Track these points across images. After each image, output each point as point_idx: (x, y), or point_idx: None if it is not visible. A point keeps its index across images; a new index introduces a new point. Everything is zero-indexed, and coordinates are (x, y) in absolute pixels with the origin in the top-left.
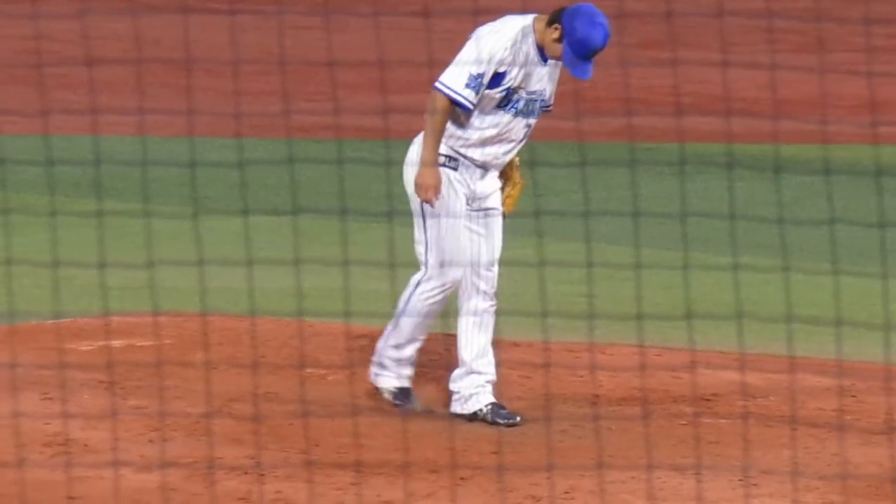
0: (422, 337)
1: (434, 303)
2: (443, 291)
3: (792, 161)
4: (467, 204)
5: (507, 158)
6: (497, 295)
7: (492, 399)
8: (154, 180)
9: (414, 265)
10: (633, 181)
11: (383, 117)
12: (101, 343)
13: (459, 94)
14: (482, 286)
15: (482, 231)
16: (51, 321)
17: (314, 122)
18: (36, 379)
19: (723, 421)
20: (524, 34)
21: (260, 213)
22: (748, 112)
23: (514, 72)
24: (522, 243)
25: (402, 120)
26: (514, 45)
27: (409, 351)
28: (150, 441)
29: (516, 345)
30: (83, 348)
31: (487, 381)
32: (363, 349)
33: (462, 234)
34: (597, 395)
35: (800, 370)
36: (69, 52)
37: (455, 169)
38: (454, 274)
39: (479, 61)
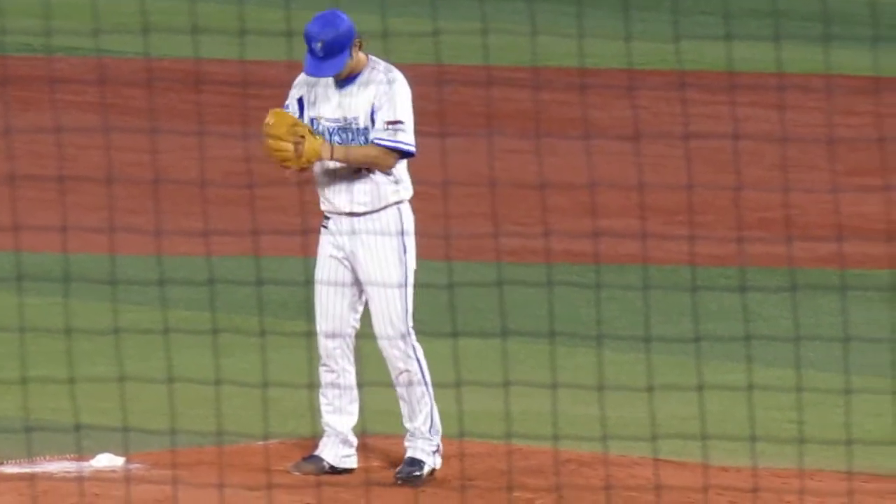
0: None
1: None
2: None
3: None
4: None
5: (337, 201)
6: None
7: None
8: None
9: (623, 388)
10: (843, 307)
11: (593, 241)
12: None
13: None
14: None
15: None
16: (259, 443)
17: (523, 245)
18: (244, 501)
19: None
20: None
21: (468, 335)
22: None
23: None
24: (731, 368)
25: (611, 244)
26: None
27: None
28: None
29: (724, 470)
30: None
31: None
32: (570, 472)
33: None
34: None
35: None
36: (280, 174)
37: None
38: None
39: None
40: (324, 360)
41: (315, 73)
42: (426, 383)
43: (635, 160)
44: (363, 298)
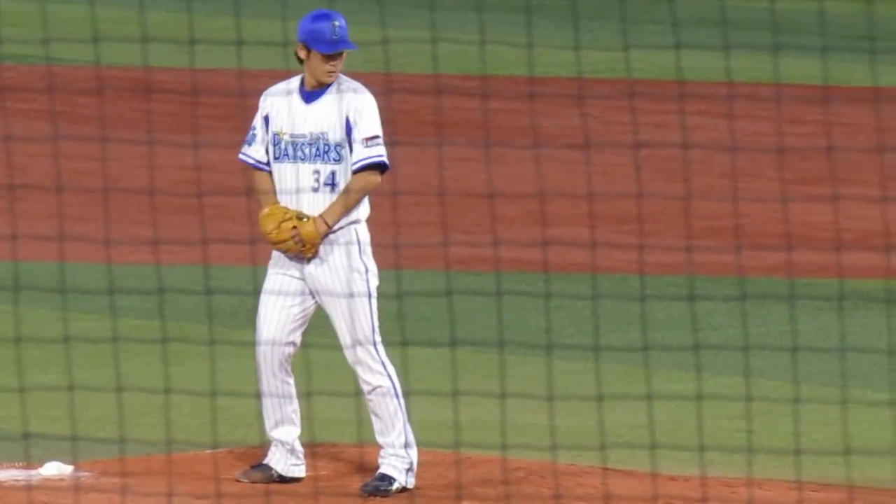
0: None
1: None
2: None
3: None
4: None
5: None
6: None
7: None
8: None
9: (571, 397)
10: (792, 316)
11: (542, 250)
12: None
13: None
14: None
15: None
16: (208, 451)
17: (472, 253)
18: None
19: None
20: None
21: (417, 344)
22: None
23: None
24: (680, 377)
25: (560, 252)
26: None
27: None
28: None
29: (673, 479)
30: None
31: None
32: (519, 481)
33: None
34: None
35: None
36: (229, 183)
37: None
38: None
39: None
40: (263, 371)
41: (337, 47)
42: (399, 398)
43: (585, 169)
44: (308, 317)
